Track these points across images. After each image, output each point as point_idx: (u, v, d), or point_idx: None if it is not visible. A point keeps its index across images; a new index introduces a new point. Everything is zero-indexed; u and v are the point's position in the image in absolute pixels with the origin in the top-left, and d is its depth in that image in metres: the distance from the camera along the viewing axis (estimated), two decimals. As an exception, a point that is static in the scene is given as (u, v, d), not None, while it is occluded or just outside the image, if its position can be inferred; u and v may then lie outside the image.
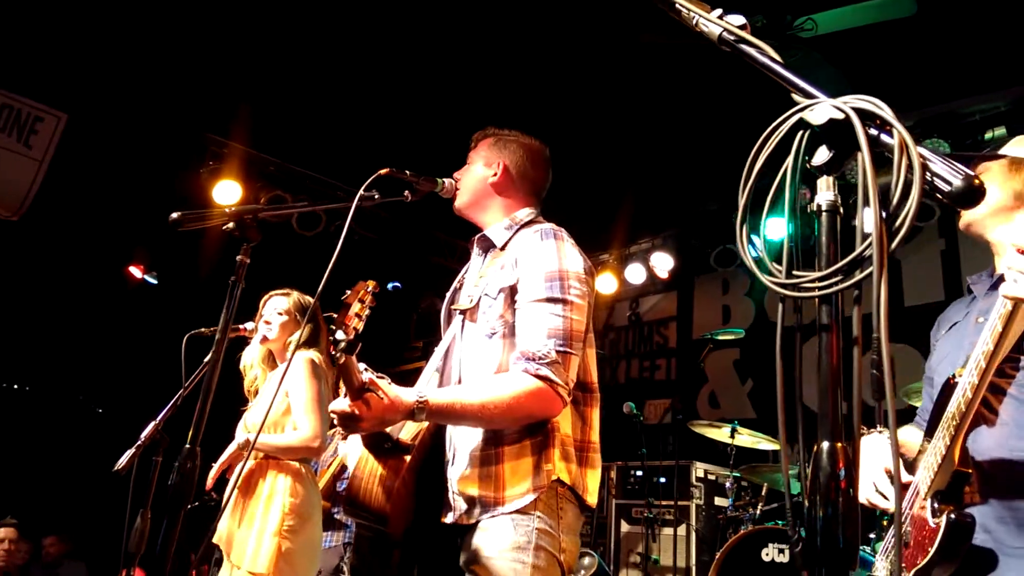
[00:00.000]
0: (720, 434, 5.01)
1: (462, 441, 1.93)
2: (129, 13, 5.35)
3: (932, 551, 1.58)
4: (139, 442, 2.78)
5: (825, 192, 1.00)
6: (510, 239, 2.12)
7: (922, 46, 4.68)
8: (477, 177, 2.25)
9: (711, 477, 5.75)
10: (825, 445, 0.91)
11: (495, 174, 2.24)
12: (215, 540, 3.15)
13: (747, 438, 4.92)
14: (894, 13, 4.00)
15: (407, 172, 2.17)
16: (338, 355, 1.66)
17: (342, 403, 1.73)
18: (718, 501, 5.63)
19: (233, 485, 3.16)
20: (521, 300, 1.94)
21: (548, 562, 1.82)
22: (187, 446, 1.70)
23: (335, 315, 1.70)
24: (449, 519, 1.87)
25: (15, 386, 7.85)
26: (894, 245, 0.90)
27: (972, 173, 0.88)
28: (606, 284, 7.71)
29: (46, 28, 5.47)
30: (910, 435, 2.01)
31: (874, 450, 1.92)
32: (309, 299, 3.48)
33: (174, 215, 1.79)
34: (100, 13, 5.37)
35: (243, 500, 3.12)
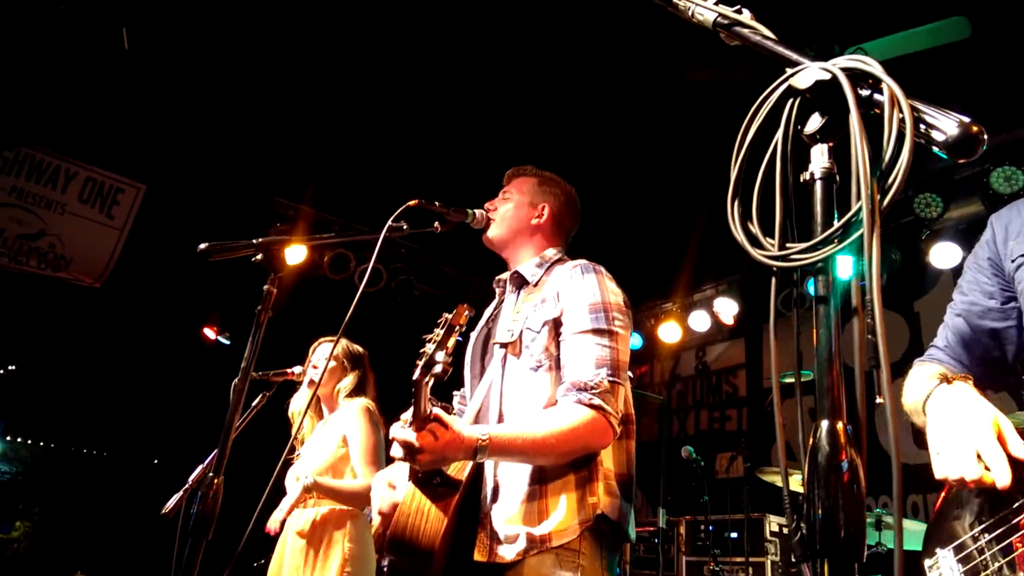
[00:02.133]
0: (793, 482, 4.72)
1: (505, 477, 1.89)
2: (197, 91, 5.68)
3: None
4: (187, 485, 2.81)
5: (819, 159, 0.94)
6: (542, 276, 2.15)
7: (982, 70, 4.51)
8: (520, 216, 2.27)
9: (787, 531, 5.42)
10: (824, 424, 0.83)
11: (539, 216, 2.27)
12: (267, 587, 3.13)
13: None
14: (948, 37, 3.86)
15: (436, 203, 2.19)
16: (428, 378, 1.63)
17: (407, 433, 1.67)
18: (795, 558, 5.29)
19: (285, 530, 3.17)
20: (567, 332, 1.94)
21: None
22: (210, 474, 1.69)
23: (437, 332, 1.67)
24: (483, 557, 1.79)
25: (94, 452, 8.17)
26: (886, 202, 0.83)
27: (968, 120, 0.81)
28: (670, 333, 7.54)
29: (124, 105, 5.86)
30: (962, 392, 1.43)
31: (968, 405, 1.35)
32: (358, 347, 3.50)
33: (202, 246, 1.84)
34: (172, 92, 5.73)
35: (301, 546, 3.09)
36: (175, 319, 7.31)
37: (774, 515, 5.49)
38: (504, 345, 2.03)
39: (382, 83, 5.51)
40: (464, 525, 1.82)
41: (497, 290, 2.33)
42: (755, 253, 0.94)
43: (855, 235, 0.84)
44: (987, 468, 1.27)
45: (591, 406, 1.81)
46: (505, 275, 2.29)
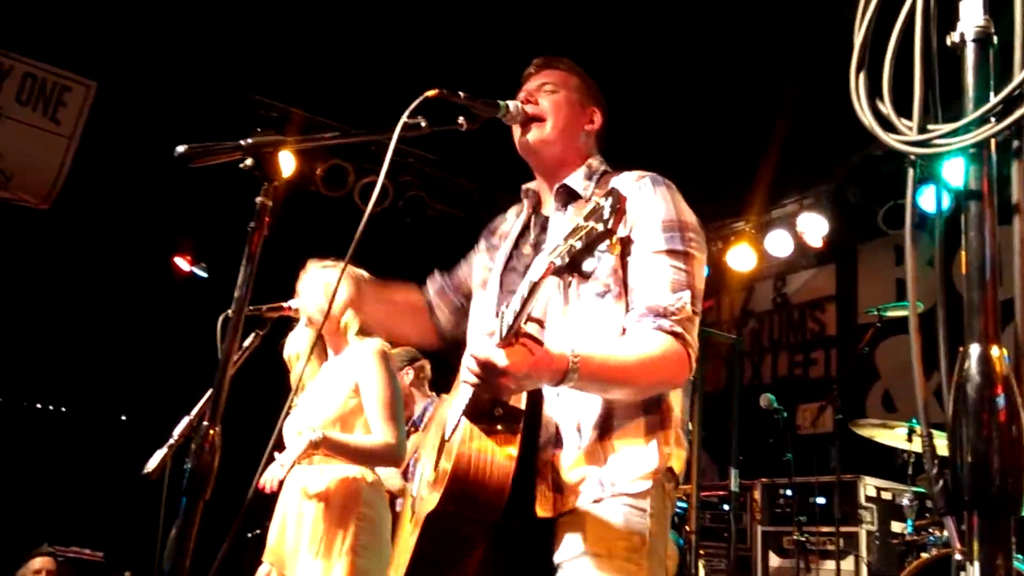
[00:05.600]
0: (893, 437, 4.76)
1: (567, 415, 1.95)
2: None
3: None
4: (171, 441, 2.88)
5: (972, 15, 0.90)
6: (594, 189, 2.19)
7: None
8: (574, 117, 2.28)
9: (885, 496, 5.50)
10: (975, 349, 0.82)
11: (591, 121, 2.31)
12: (265, 558, 3.24)
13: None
14: None
15: (460, 94, 2.16)
16: (567, 280, 1.63)
17: (492, 350, 1.69)
18: (895, 526, 5.36)
19: (284, 492, 3.26)
20: (637, 252, 2.00)
21: (659, 569, 1.88)
22: (204, 424, 1.73)
23: (587, 225, 1.58)
24: (548, 512, 1.86)
25: (50, 407, 8.38)
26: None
27: None
28: (742, 258, 7.51)
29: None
30: None
31: None
32: (362, 272, 3.51)
33: (180, 149, 1.84)
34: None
35: (311, 513, 3.18)
36: (140, 246, 7.37)
37: (870, 477, 5.54)
38: (560, 271, 2.07)
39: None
40: (524, 469, 1.86)
41: (526, 201, 2.37)
42: (887, 138, 0.91)
43: (1016, 116, 0.81)
44: None
45: (672, 334, 1.88)
46: (534, 184, 2.34)
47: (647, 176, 2.11)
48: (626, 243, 2.01)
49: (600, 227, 1.52)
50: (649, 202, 2.04)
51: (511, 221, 2.43)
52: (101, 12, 5.99)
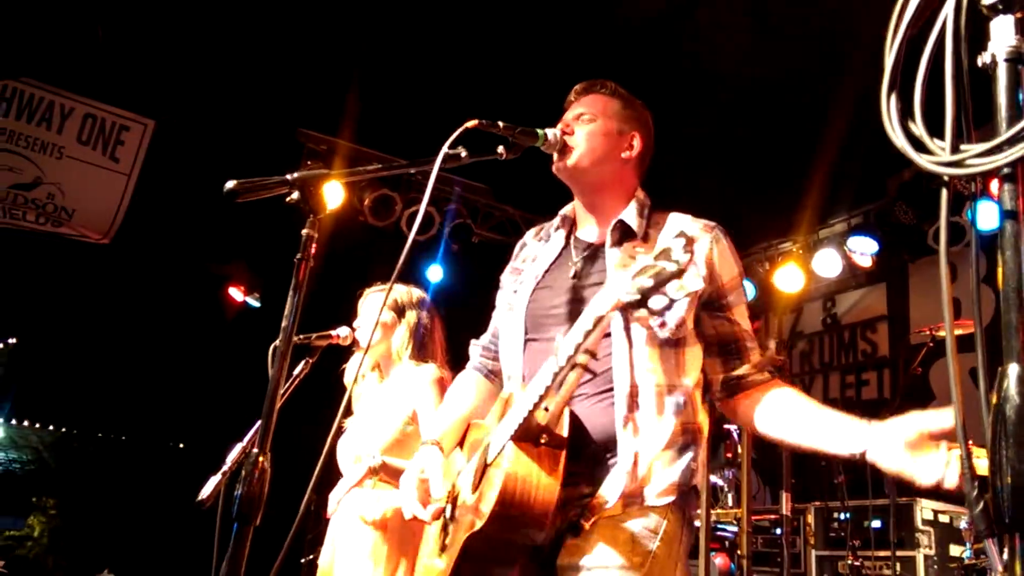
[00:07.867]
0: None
1: (595, 427, 2.00)
2: (207, 5, 5.73)
3: None
4: (225, 468, 2.93)
5: (1004, 35, 0.89)
6: (647, 228, 2.23)
7: None
8: (609, 144, 2.29)
9: (943, 519, 5.36)
10: (1014, 369, 0.81)
11: (629, 147, 2.31)
12: (318, 581, 3.25)
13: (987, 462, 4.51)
14: None
15: (500, 123, 2.18)
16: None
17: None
18: (953, 550, 5.22)
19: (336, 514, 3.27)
20: (728, 307, 2.14)
21: None
22: (254, 451, 1.76)
23: None
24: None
25: (112, 435, 8.58)
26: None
27: None
28: (790, 279, 7.42)
29: (124, 28, 5.96)
30: None
31: None
32: (411, 292, 3.51)
33: (229, 185, 1.88)
34: (178, 8, 5.80)
35: (365, 539, 3.17)
36: (196, 278, 7.54)
37: (927, 500, 5.41)
38: (627, 308, 2.08)
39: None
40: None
41: (562, 230, 2.36)
42: (920, 159, 0.91)
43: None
44: None
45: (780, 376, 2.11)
46: (569, 209, 2.36)
47: (716, 227, 2.18)
48: (701, 296, 2.09)
49: (671, 267, 1.62)
50: (728, 261, 2.16)
51: (532, 246, 2.45)
52: (157, 54, 6.18)
